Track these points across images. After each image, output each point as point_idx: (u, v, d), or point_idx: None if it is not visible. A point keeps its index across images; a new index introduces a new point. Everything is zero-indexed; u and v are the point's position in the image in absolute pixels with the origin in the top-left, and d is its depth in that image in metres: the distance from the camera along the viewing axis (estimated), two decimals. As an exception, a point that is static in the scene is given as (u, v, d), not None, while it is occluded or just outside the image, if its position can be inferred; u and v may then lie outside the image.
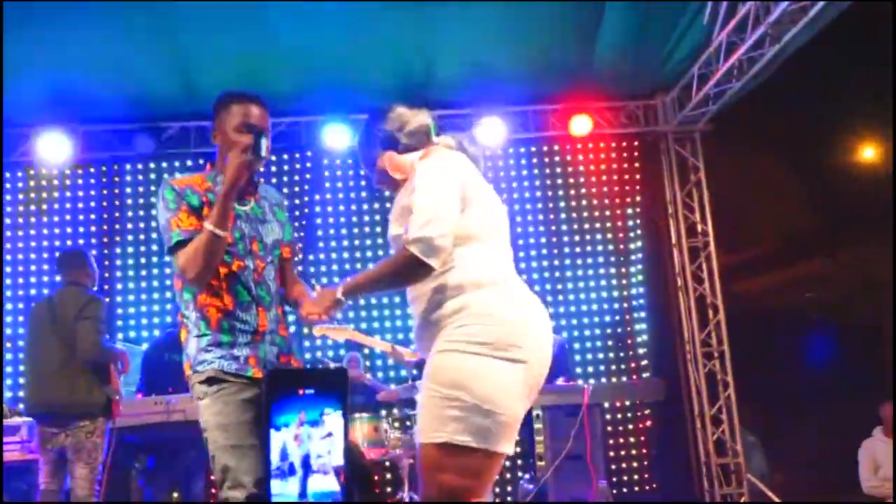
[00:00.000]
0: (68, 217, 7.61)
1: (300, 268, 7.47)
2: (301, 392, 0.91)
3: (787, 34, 6.03)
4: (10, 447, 5.77)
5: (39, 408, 5.15)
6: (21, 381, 7.11)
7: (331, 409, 0.93)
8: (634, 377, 7.79)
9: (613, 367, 7.87)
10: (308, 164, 7.95)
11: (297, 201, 7.85)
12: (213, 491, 4.22)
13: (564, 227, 8.06)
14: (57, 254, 5.78)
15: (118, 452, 5.25)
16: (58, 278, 5.42)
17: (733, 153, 7.69)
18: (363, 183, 7.84)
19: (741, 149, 7.52)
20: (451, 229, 2.44)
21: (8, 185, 7.57)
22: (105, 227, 7.63)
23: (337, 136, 7.38)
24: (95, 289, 5.32)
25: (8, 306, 7.30)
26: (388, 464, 7.02)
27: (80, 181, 7.66)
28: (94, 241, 7.51)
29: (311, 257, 7.83)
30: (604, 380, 7.72)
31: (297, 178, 7.94)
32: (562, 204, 8.09)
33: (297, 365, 3.06)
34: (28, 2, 5.68)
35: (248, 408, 2.83)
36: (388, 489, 7.13)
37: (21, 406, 6.76)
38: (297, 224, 7.76)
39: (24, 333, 6.97)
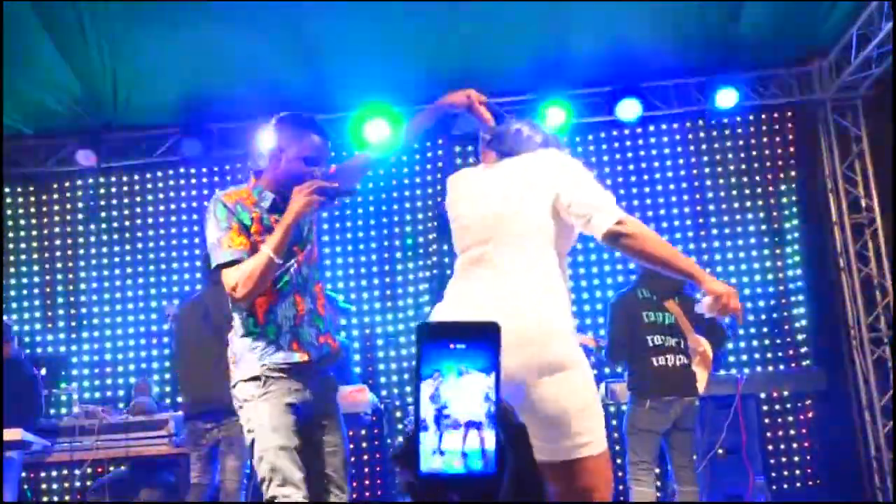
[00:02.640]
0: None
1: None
2: (452, 346, 0.85)
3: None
4: (159, 441, 5.92)
5: (197, 405, 5.21)
6: (166, 377, 7.32)
7: (477, 365, 0.86)
8: (793, 365, 7.26)
9: (769, 356, 7.34)
10: (439, 153, 7.80)
11: (429, 190, 7.73)
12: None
13: (712, 207, 7.56)
14: (197, 251, 5.83)
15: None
16: (199, 275, 5.47)
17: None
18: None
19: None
20: None
21: (149, 186, 7.79)
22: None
23: (467, 123, 7.18)
24: None
25: (152, 304, 7.52)
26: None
27: (216, 179, 7.78)
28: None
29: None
30: (759, 368, 7.22)
31: (439, 164, 7.78)
32: (708, 182, 7.60)
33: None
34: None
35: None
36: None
37: (167, 401, 6.97)
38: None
39: (172, 332, 7.19)
